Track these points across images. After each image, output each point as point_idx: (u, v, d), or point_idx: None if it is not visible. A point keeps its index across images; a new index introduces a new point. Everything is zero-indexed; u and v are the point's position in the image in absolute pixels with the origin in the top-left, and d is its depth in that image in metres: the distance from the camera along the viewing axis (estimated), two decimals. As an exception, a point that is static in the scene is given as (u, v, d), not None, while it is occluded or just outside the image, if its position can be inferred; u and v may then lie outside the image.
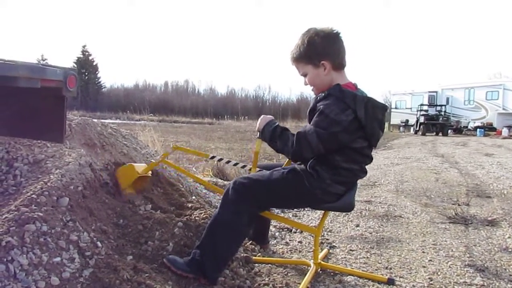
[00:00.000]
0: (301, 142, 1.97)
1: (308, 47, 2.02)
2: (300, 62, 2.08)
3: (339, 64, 2.05)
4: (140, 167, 2.53)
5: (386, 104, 2.15)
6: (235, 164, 2.72)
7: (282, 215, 3.47)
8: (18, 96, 2.23)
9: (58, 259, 1.70)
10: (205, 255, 1.97)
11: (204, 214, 2.39)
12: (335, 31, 2.04)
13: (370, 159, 2.12)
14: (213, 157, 2.67)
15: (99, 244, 1.91)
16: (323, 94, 2.01)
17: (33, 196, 1.86)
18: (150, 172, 2.59)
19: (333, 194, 2.05)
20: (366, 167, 2.15)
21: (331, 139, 1.93)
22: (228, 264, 2.15)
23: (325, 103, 1.96)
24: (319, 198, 2.04)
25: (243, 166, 2.63)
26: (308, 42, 2.02)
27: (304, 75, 2.11)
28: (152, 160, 2.86)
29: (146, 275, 1.84)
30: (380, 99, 2.10)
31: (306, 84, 2.12)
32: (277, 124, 2.13)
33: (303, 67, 2.08)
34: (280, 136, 2.06)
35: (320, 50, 2.01)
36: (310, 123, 2.02)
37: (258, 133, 2.19)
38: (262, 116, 2.21)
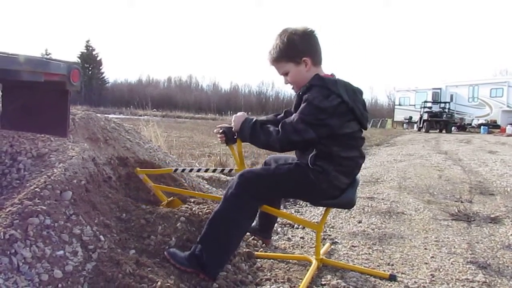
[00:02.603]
0: (286, 128, 1.99)
1: (288, 45, 2.08)
2: (280, 61, 2.13)
3: (317, 60, 2.12)
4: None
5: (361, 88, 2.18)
6: (206, 170, 2.78)
7: (284, 211, 3.47)
8: (22, 90, 2.23)
9: (61, 252, 1.71)
10: (206, 250, 1.96)
11: (207, 209, 2.39)
12: (309, 29, 2.11)
13: (363, 140, 2.16)
14: (176, 170, 2.66)
15: (102, 238, 1.92)
16: (305, 88, 2.05)
17: (36, 189, 1.86)
18: (172, 198, 2.60)
19: (337, 187, 2.07)
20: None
21: (319, 124, 1.95)
22: (230, 259, 2.15)
23: (309, 93, 2.00)
24: (323, 191, 2.06)
25: (222, 170, 2.67)
26: (288, 40, 2.08)
27: (285, 74, 2.14)
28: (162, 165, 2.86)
29: (149, 269, 1.84)
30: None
31: (286, 83, 2.16)
32: (254, 119, 2.15)
33: (284, 66, 2.12)
34: (262, 129, 2.08)
35: (301, 47, 2.07)
36: None
37: (236, 133, 2.20)
38: (234, 116, 2.21)
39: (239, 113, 2.21)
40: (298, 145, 2.07)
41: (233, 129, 2.21)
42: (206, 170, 2.76)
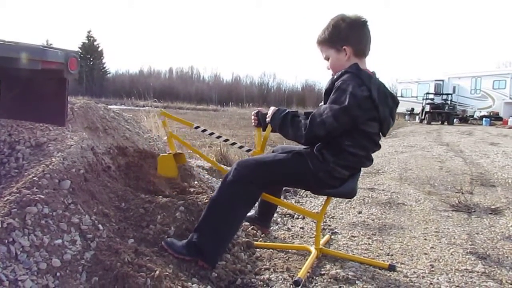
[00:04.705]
0: (314, 123, 1.96)
1: (332, 31, 2.07)
2: (324, 45, 2.12)
3: (360, 51, 2.07)
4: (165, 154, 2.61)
5: (396, 97, 2.15)
6: (226, 140, 2.83)
7: (284, 200, 3.46)
8: (19, 79, 2.21)
9: (60, 241, 1.71)
10: (203, 237, 1.96)
11: (206, 199, 2.38)
12: (362, 19, 2.07)
13: (378, 147, 2.13)
14: (197, 127, 2.76)
15: (100, 227, 1.91)
16: (339, 73, 2.02)
17: (35, 178, 1.85)
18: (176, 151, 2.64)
19: (337, 178, 2.05)
20: (372, 155, 2.16)
21: (345, 112, 1.91)
22: (229, 249, 2.15)
23: (342, 79, 1.98)
24: (321, 181, 2.04)
25: (248, 150, 2.70)
26: (333, 26, 2.07)
27: (327, 58, 2.14)
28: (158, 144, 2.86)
29: (147, 258, 1.84)
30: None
31: (328, 69, 2.15)
32: (287, 111, 2.14)
33: (326, 50, 2.12)
34: (292, 122, 2.07)
35: (343, 35, 2.04)
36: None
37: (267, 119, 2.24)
38: (272, 108, 2.24)
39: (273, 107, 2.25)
40: (322, 140, 2.02)
41: (267, 119, 2.24)
42: (226, 140, 2.83)
